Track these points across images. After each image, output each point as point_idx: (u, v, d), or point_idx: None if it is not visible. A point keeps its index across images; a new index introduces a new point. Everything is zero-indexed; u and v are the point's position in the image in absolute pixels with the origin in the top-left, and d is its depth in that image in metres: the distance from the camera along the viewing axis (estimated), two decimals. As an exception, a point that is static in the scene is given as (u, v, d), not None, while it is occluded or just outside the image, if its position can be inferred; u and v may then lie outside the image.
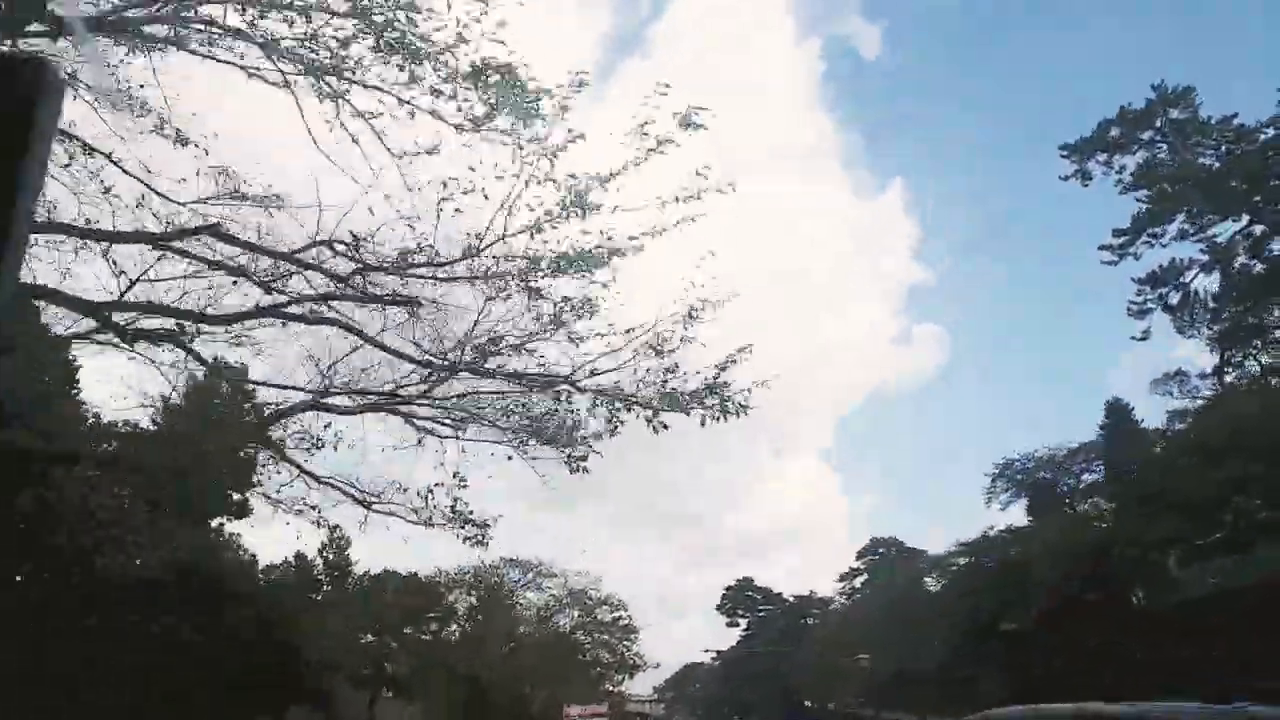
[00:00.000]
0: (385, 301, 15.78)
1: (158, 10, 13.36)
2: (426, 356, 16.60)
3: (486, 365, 16.36)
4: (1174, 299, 44.08)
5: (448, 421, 18.36)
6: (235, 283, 15.79)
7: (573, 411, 16.68)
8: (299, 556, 48.64)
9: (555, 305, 15.26)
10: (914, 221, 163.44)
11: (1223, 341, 41.23)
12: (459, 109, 13.13)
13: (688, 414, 15.05)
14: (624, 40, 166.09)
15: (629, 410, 15.65)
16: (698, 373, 15.36)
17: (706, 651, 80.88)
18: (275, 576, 47.04)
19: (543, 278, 15.00)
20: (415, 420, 18.71)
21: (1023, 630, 46.10)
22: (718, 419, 14.97)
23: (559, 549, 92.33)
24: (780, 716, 68.46)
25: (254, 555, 47.06)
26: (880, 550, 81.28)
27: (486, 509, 19.97)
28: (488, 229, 14.51)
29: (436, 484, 18.82)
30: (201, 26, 13.24)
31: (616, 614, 46.31)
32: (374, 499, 20.35)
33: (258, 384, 21.60)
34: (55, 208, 14.52)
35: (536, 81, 12.76)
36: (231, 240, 15.31)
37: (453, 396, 17.76)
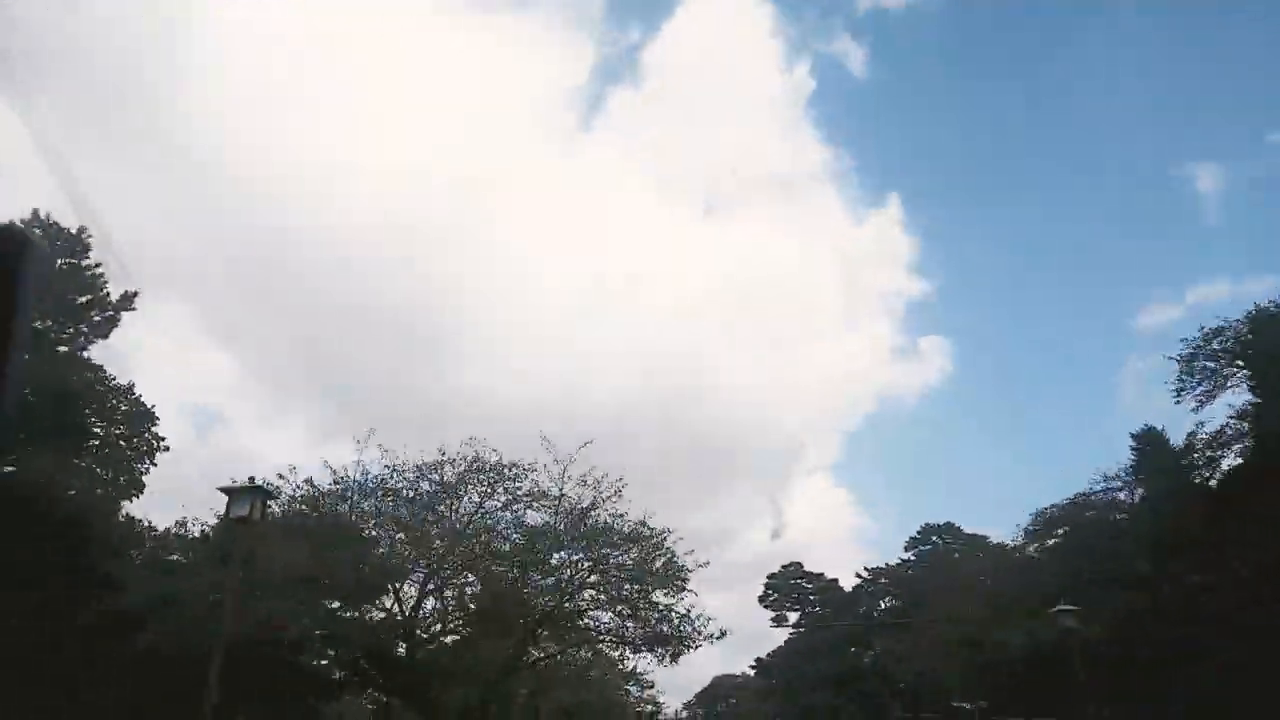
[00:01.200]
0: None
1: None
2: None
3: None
4: None
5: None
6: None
7: None
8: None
9: None
10: (911, 235, 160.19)
11: None
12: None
13: None
14: (613, 67, 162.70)
15: None
16: None
17: (783, 623, 64.14)
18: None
19: None
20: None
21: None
22: None
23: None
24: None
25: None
26: (934, 538, 66.93)
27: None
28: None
29: None
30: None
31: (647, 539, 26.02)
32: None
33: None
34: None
35: None
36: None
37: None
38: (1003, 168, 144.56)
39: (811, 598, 66.42)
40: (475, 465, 25.59)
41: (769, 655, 72.79)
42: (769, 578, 68.18)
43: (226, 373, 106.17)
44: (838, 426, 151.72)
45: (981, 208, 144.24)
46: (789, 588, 67.29)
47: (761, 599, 68.28)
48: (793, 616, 67.79)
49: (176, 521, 32.05)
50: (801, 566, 67.91)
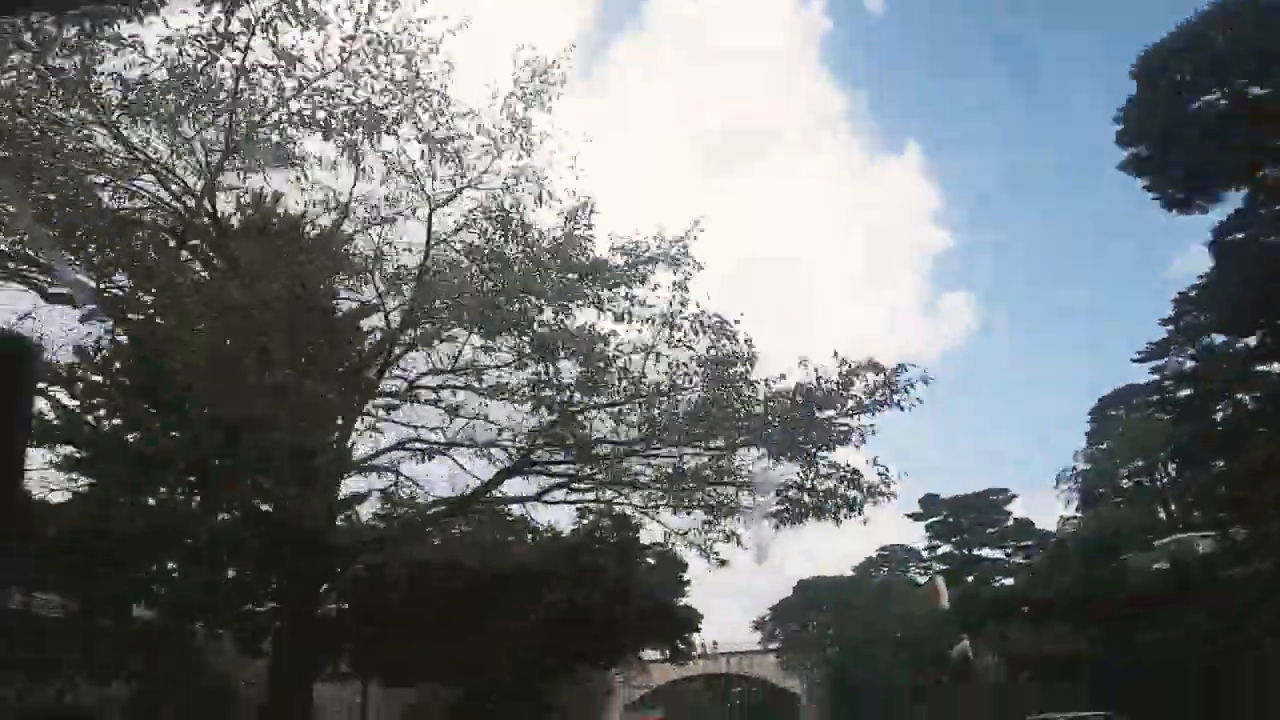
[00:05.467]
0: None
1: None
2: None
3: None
4: None
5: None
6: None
7: None
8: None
9: None
10: (932, 185, 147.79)
11: None
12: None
13: None
14: (615, 12, 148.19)
15: None
16: None
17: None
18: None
19: None
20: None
21: None
22: None
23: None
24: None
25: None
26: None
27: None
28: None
29: None
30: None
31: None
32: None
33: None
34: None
35: None
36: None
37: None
38: (1028, 109, 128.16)
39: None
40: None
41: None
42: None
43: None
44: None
45: (1006, 152, 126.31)
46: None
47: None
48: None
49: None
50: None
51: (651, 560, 29.34)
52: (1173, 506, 40.66)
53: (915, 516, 48.08)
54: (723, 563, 19.08)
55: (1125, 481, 46.65)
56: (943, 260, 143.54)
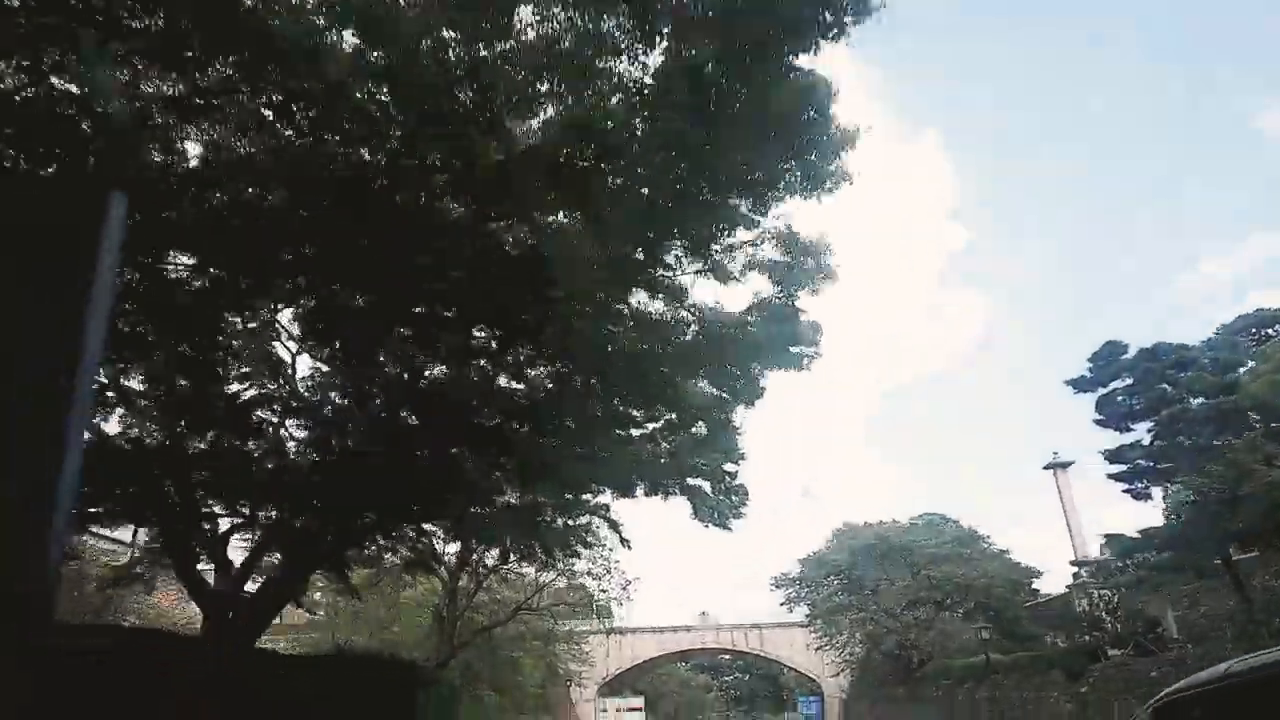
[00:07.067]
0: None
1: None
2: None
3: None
4: None
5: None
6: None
7: None
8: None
9: None
10: (951, 179, 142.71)
11: None
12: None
13: None
14: None
15: None
16: None
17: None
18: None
19: None
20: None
21: None
22: None
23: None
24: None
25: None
26: None
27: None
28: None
29: None
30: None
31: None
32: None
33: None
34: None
35: None
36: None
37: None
38: (1049, 104, 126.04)
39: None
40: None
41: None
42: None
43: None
44: (872, 383, 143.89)
45: (1027, 147, 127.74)
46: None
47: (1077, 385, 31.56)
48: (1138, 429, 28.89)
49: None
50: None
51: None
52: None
53: (1078, 384, 29.85)
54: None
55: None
56: (956, 257, 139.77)
